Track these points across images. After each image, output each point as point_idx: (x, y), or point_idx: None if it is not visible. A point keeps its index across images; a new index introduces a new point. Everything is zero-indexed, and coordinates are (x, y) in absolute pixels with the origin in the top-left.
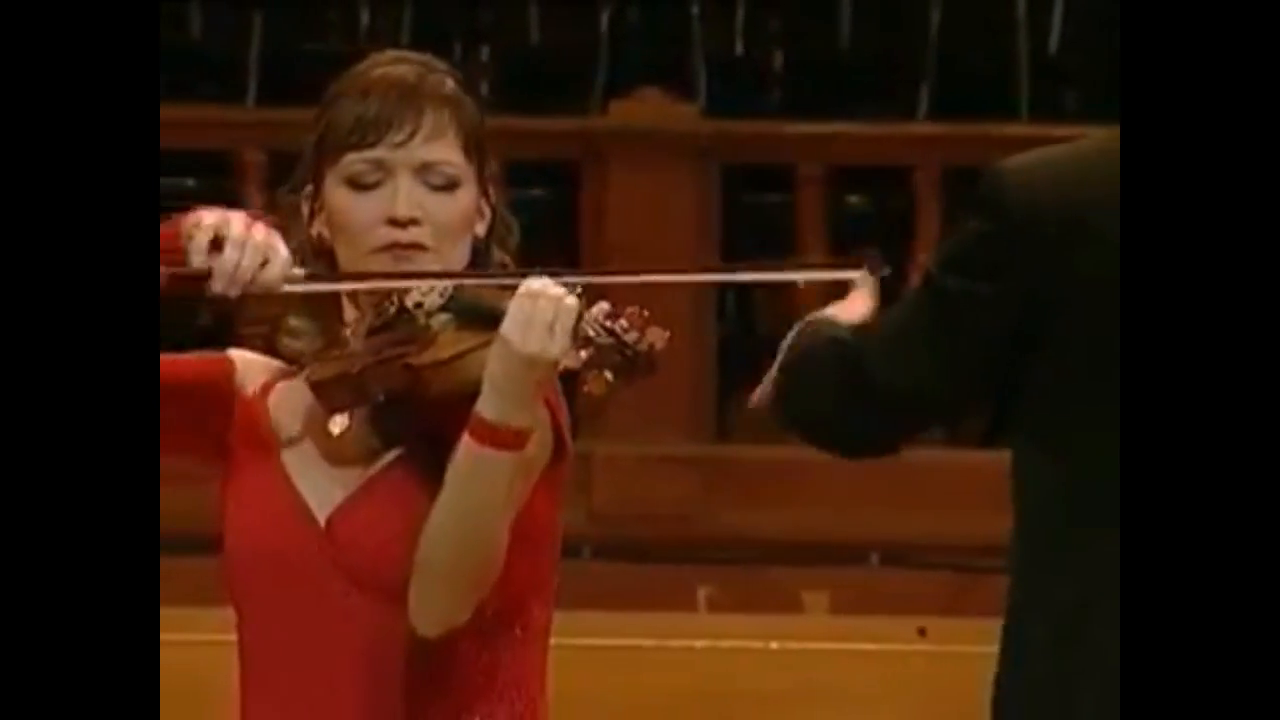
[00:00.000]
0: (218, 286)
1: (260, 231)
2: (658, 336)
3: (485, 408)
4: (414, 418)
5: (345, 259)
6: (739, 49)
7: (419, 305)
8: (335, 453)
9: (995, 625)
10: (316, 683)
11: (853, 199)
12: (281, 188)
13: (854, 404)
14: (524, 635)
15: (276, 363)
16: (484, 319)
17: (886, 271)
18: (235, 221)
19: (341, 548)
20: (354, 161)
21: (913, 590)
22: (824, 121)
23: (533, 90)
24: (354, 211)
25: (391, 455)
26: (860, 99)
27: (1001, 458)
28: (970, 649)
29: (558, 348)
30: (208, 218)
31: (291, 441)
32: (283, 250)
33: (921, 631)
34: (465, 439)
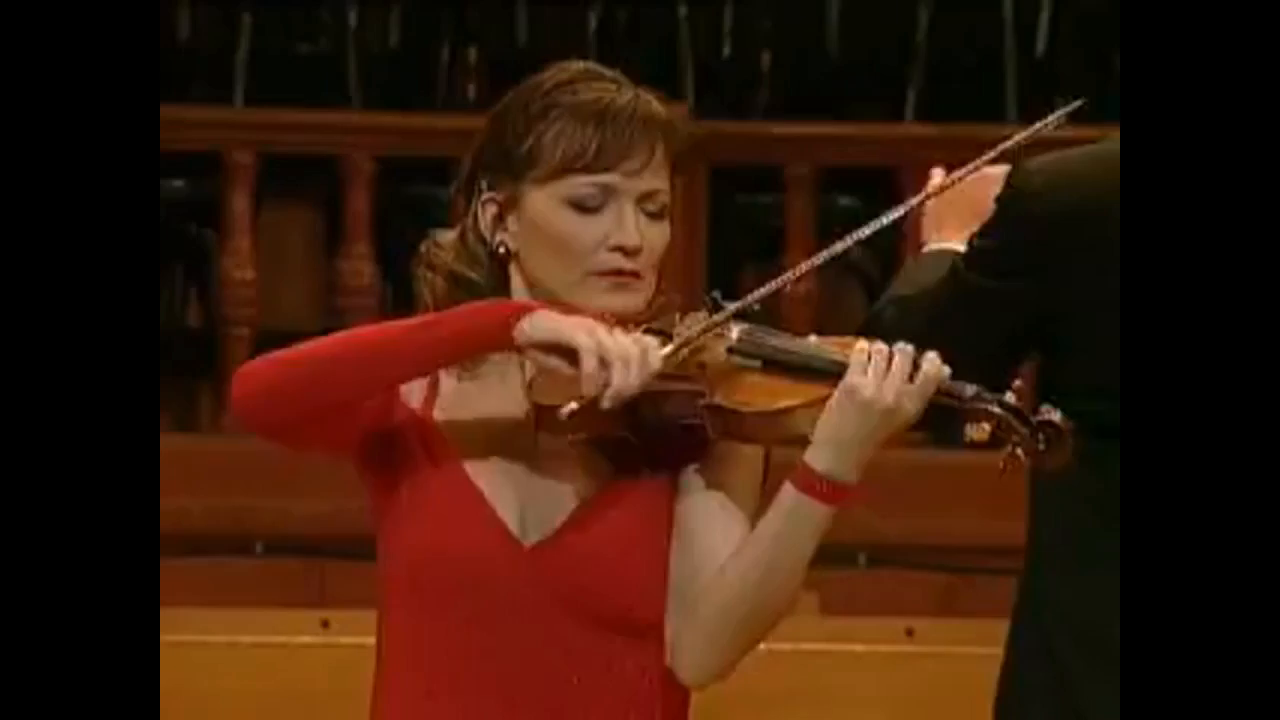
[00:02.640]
0: (607, 404)
1: (621, 335)
2: (1058, 415)
3: (818, 459)
4: (641, 448)
5: (552, 278)
6: (727, 50)
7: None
8: (535, 471)
9: (984, 626)
10: (487, 707)
11: (842, 200)
12: (453, 185)
13: None
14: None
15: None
16: (796, 370)
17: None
18: (605, 338)
19: (556, 574)
20: (583, 185)
21: (901, 591)
22: (812, 123)
23: None
24: (577, 233)
25: (597, 484)
26: (848, 100)
27: (989, 459)
28: (958, 650)
29: (916, 406)
30: (583, 338)
31: (475, 453)
32: (650, 348)
33: (910, 633)
34: (787, 488)
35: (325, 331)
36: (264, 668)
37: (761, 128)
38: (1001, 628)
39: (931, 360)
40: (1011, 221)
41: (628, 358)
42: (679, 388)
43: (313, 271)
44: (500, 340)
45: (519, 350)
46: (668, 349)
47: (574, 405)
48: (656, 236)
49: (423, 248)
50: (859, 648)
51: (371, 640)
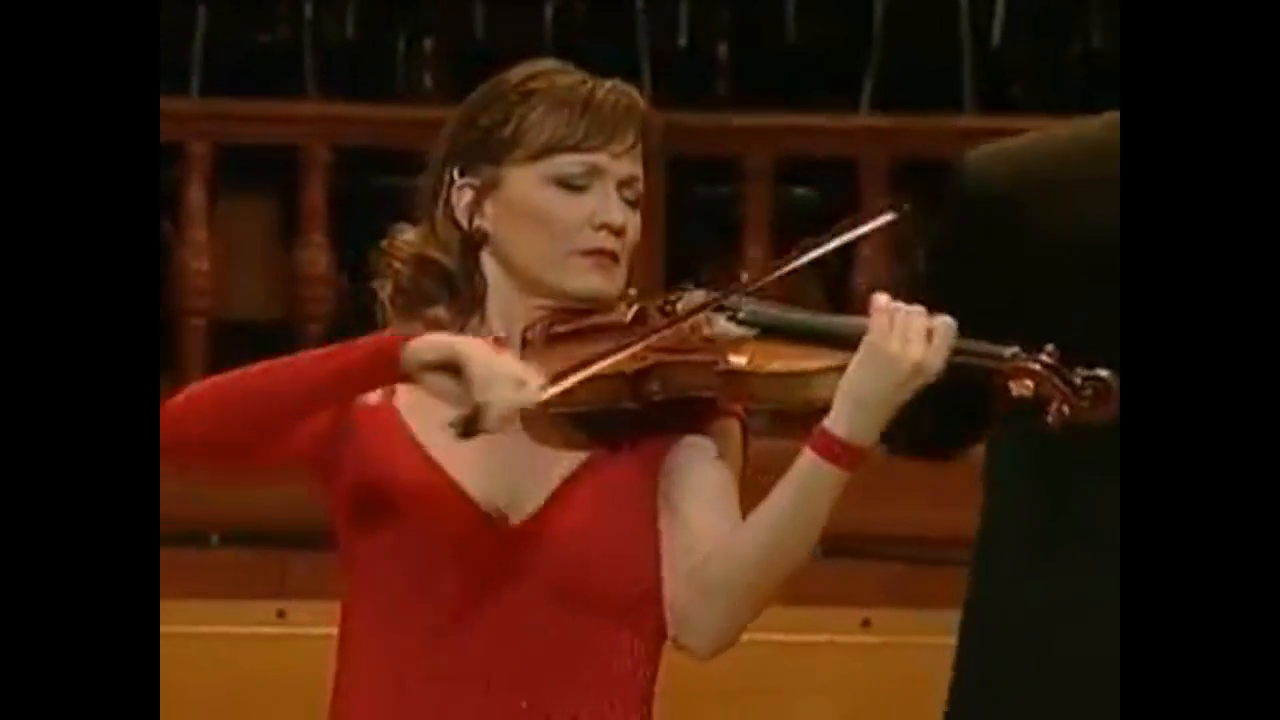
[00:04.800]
0: (488, 424)
1: (508, 357)
2: (1104, 370)
3: (839, 424)
4: (623, 426)
5: (534, 257)
6: (684, 40)
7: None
8: (514, 453)
9: (940, 616)
10: (468, 689)
11: (799, 191)
12: (423, 176)
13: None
14: (662, 642)
15: None
16: (800, 336)
17: (907, 207)
18: (491, 355)
19: (538, 554)
20: (570, 163)
21: (856, 582)
22: (770, 113)
23: (477, 82)
24: (562, 211)
25: (578, 461)
26: (806, 91)
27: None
28: (914, 640)
29: (938, 362)
30: (470, 349)
31: (443, 438)
32: (526, 370)
33: (866, 623)
34: (807, 454)
35: (282, 321)
36: (222, 659)
37: (719, 119)
38: (957, 618)
39: (947, 320)
40: (953, 207)
41: (512, 376)
42: (688, 359)
43: (269, 262)
44: (388, 369)
45: (409, 378)
46: (598, 367)
47: (461, 417)
48: (633, 224)
49: (384, 243)
50: (815, 638)
51: (329, 630)
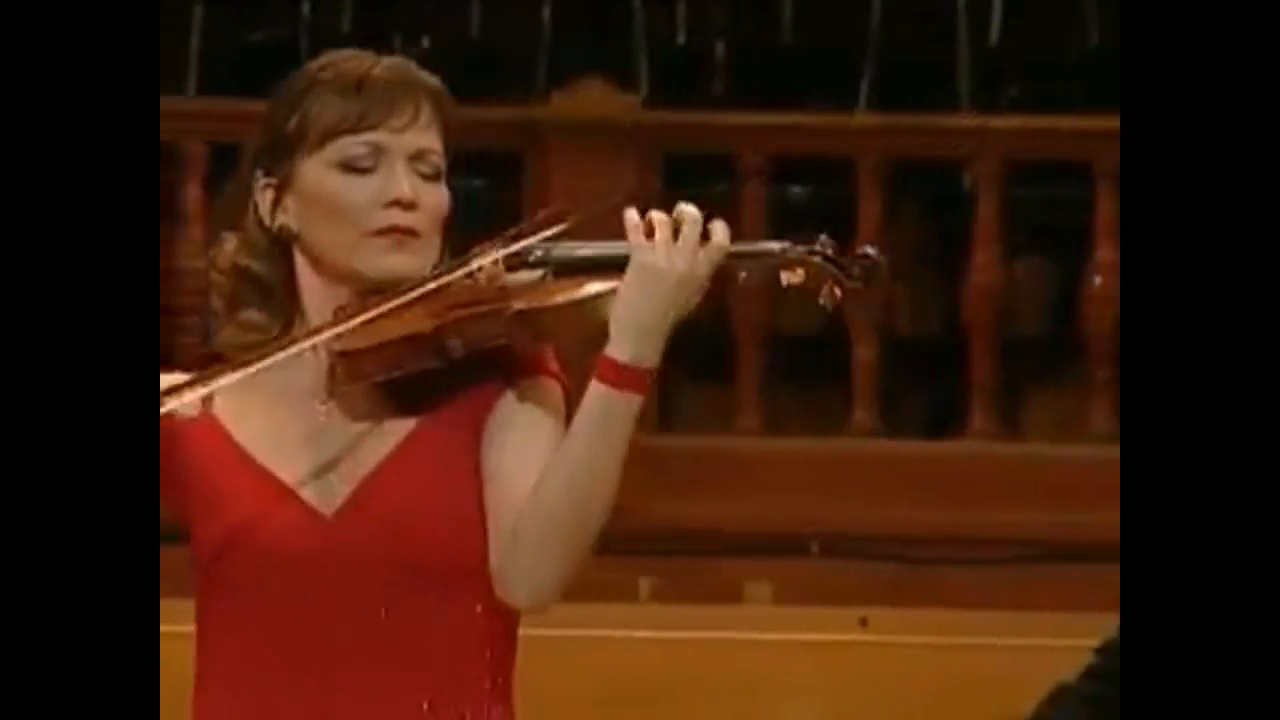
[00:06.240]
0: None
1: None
2: (871, 249)
3: (620, 349)
4: (429, 392)
5: (332, 245)
6: (681, 39)
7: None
8: (330, 440)
9: (937, 616)
10: (315, 675)
11: (794, 189)
12: (226, 183)
13: None
14: (509, 610)
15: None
16: (590, 268)
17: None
18: None
19: (360, 534)
20: (350, 145)
21: (854, 581)
22: (766, 112)
23: (474, 80)
24: (349, 194)
25: (403, 434)
26: (802, 90)
27: (941, 448)
28: (912, 639)
29: (707, 268)
30: None
31: (262, 437)
32: None
33: (863, 622)
34: (597, 387)
35: None
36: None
37: (715, 117)
38: (954, 617)
39: (719, 225)
40: None
41: None
42: (481, 310)
43: None
44: None
45: None
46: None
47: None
48: (433, 197)
49: (210, 251)
50: (813, 637)
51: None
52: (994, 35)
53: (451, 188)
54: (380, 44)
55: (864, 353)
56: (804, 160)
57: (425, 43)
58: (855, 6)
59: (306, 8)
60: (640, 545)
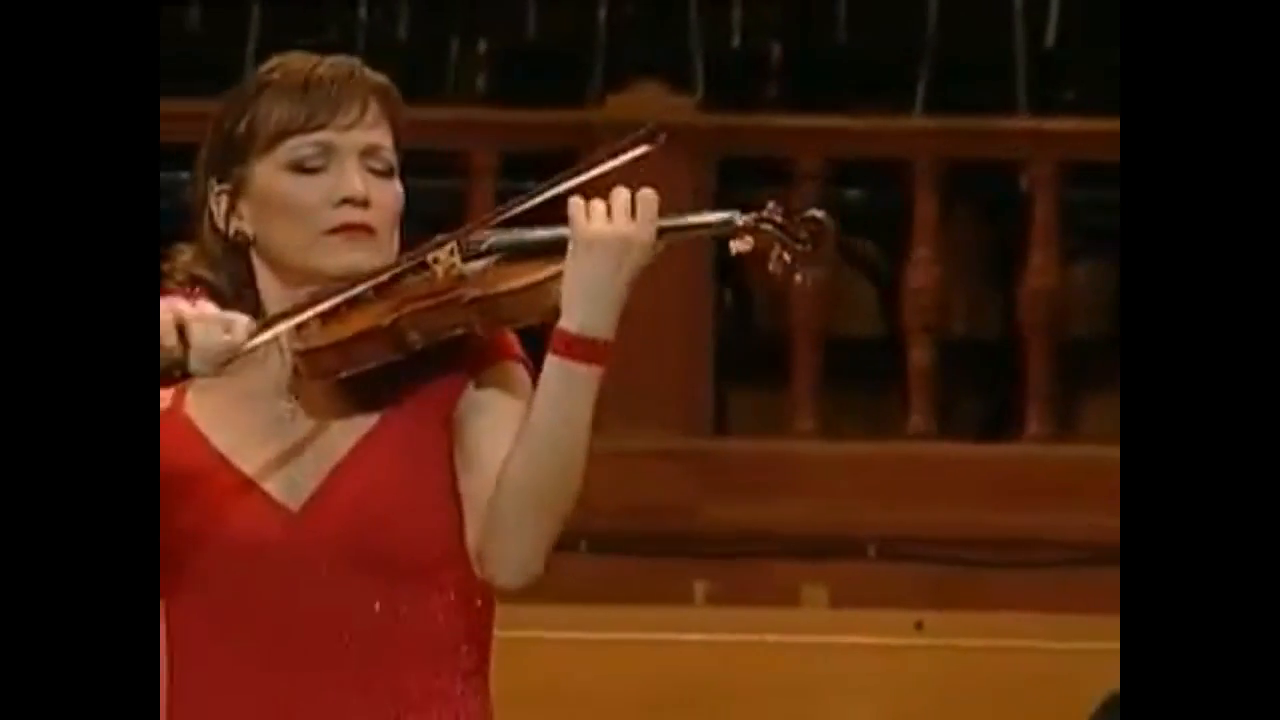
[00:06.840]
0: (195, 365)
1: (209, 306)
2: (819, 212)
3: (571, 320)
4: (393, 384)
5: (288, 247)
6: (736, 41)
7: (437, 259)
8: (296, 435)
9: (992, 619)
10: (283, 669)
11: (850, 193)
12: (187, 191)
13: None
14: (483, 606)
15: None
16: (539, 251)
17: (663, 138)
18: (183, 307)
19: (326, 529)
20: (299, 145)
21: (910, 583)
22: (822, 115)
23: (530, 83)
24: (301, 194)
25: (367, 428)
26: (858, 92)
27: (997, 451)
28: (967, 642)
29: (647, 231)
30: (164, 314)
31: (230, 432)
32: (237, 316)
33: (919, 625)
34: (551, 360)
35: None
36: None
37: (771, 120)
38: (1009, 620)
39: (647, 192)
40: None
41: (220, 321)
42: (438, 300)
43: None
44: None
45: None
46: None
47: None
48: (386, 194)
49: (164, 266)
50: (868, 640)
51: None
52: (1050, 37)
53: (505, 189)
54: (436, 48)
55: (920, 355)
56: (859, 163)
57: (482, 46)
58: (911, 9)
59: (364, 11)
60: (695, 548)
